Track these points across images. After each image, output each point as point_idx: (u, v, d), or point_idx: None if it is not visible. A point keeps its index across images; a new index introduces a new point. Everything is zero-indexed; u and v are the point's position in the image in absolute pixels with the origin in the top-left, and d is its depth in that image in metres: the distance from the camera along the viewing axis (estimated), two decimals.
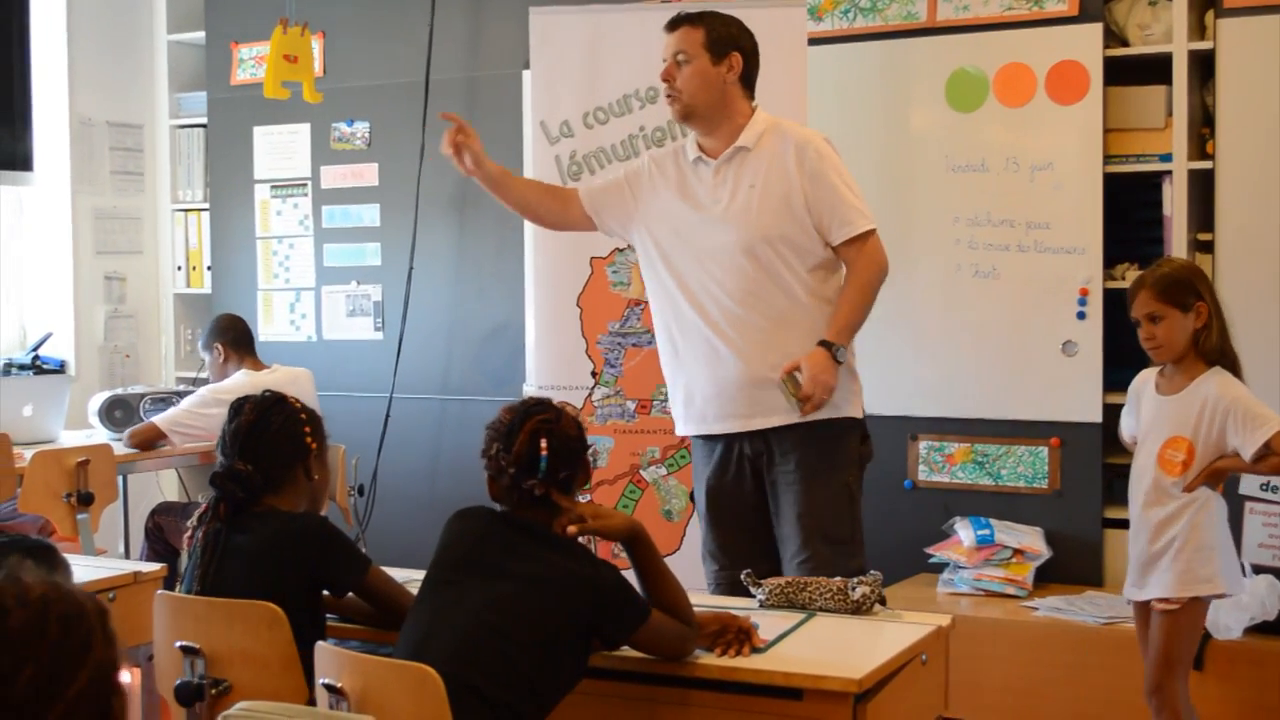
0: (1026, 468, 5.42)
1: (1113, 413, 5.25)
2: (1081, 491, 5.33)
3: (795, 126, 4.20)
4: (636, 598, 2.94)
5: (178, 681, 3.07)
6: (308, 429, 3.37)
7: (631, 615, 2.89)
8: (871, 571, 3.49)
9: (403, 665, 2.71)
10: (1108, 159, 5.27)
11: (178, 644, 3.08)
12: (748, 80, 4.14)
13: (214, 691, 3.05)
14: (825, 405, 3.95)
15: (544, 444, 2.95)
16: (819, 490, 4.04)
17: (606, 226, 4.38)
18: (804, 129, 4.22)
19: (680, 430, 4.32)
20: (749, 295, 4.04)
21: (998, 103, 5.42)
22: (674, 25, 4.12)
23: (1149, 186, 5.30)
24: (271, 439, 3.33)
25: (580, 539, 2.96)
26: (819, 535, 4.01)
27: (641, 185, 4.26)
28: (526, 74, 5.84)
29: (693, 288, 4.12)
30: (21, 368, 6.49)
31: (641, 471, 5.31)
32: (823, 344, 3.95)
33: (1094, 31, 5.26)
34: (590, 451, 3.10)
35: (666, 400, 5.16)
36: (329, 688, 2.72)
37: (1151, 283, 3.97)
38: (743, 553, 4.09)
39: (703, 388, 4.13)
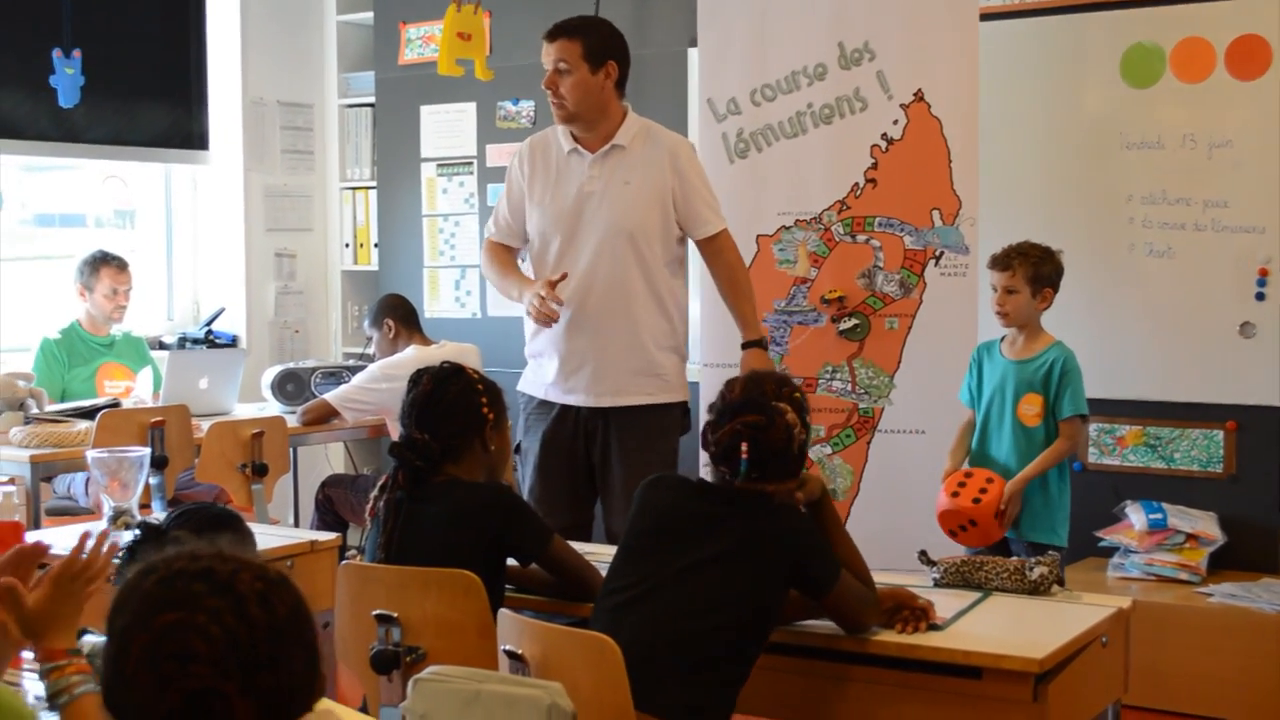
0: (1201, 451, 5.31)
1: None
2: (1259, 477, 5.21)
3: (664, 131, 4.60)
4: (830, 550, 2.94)
5: (374, 650, 3.11)
6: (484, 400, 3.39)
7: (828, 566, 2.90)
8: (1049, 551, 3.46)
9: (583, 634, 2.73)
10: None
11: (375, 613, 3.12)
12: (621, 84, 4.50)
13: (409, 659, 3.08)
14: (658, 389, 4.50)
15: (744, 448, 2.93)
16: (647, 463, 4.30)
17: (523, 241, 4.68)
18: (673, 135, 4.64)
19: (524, 388, 4.65)
20: (613, 280, 4.45)
21: (1175, 78, 5.30)
22: (553, 36, 4.43)
23: None
24: (448, 409, 3.36)
25: None
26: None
27: (522, 188, 4.59)
28: (692, 51, 5.84)
29: (565, 262, 4.48)
30: (195, 342, 6.66)
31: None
32: (751, 344, 4.54)
33: (1276, 4, 5.12)
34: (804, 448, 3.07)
35: (833, 378, 5.18)
36: (510, 654, 2.74)
37: None
38: (563, 503, 4.45)
39: (558, 350, 4.51)
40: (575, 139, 4.51)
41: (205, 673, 1.52)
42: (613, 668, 2.63)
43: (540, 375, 4.60)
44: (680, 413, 4.60)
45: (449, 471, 3.32)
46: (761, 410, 2.96)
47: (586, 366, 4.50)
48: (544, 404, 4.59)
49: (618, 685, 2.63)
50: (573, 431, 4.55)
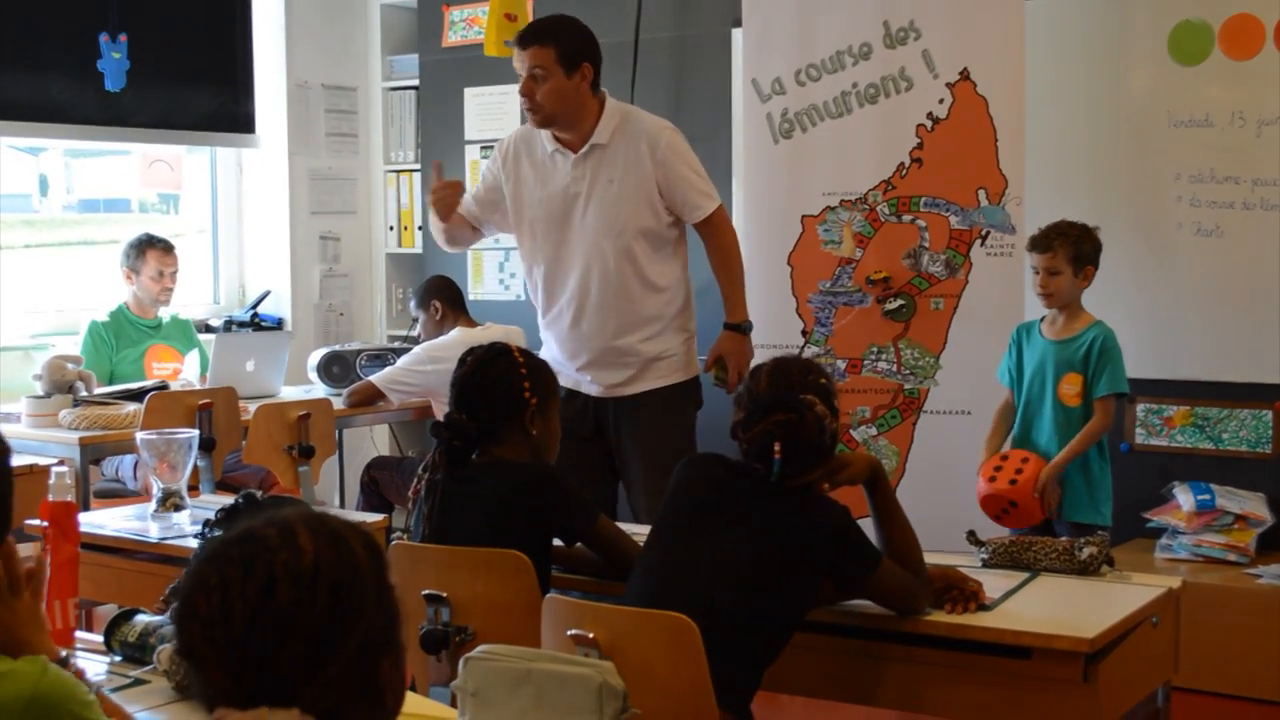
0: (1249, 431, 5.27)
1: None
2: None
3: (644, 117, 4.58)
4: (868, 542, 2.94)
5: (423, 629, 3.12)
6: (527, 384, 3.37)
7: (863, 559, 2.89)
8: (1098, 531, 3.44)
9: (657, 615, 2.71)
10: None
11: (424, 593, 3.13)
12: (596, 83, 4.50)
13: (458, 639, 3.09)
14: (665, 372, 4.57)
15: (777, 448, 2.92)
16: (661, 443, 4.48)
17: (491, 231, 4.84)
18: (653, 120, 4.59)
19: None
20: (606, 281, 4.50)
21: (1223, 55, 5.25)
22: (525, 43, 4.44)
23: None
24: (488, 390, 3.35)
25: None
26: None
27: (503, 182, 4.61)
28: (736, 32, 5.82)
29: (559, 266, 4.56)
30: (241, 325, 6.69)
31: (852, 431, 5.28)
32: (731, 327, 4.58)
33: None
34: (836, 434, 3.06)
35: (878, 359, 5.16)
36: (578, 639, 2.71)
37: None
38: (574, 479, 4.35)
39: (564, 349, 4.60)
40: (557, 139, 4.52)
41: (201, 634, 1.58)
42: (691, 647, 2.63)
43: (550, 358, 4.58)
44: (691, 389, 4.65)
45: (492, 452, 3.32)
46: (792, 408, 2.94)
47: (590, 365, 4.58)
48: None
49: (697, 664, 2.62)
50: (581, 410, 4.60)
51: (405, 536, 3.49)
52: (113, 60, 6.24)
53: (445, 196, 4.60)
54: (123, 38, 6.24)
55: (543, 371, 3.43)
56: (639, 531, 3.44)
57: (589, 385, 4.60)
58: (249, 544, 1.60)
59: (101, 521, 3.98)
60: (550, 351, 4.63)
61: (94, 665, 2.65)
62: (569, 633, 2.72)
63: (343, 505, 6.53)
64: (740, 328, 4.61)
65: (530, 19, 6.14)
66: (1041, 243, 4.53)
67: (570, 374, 4.58)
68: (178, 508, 3.85)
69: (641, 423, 4.57)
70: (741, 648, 2.79)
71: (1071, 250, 4.49)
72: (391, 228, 7.37)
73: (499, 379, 3.37)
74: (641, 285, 4.54)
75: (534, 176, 4.57)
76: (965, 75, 5.14)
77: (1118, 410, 4.58)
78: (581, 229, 4.51)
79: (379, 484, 6.13)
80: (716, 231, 4.61)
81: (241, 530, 1.63)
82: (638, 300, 4.54)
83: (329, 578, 1.59)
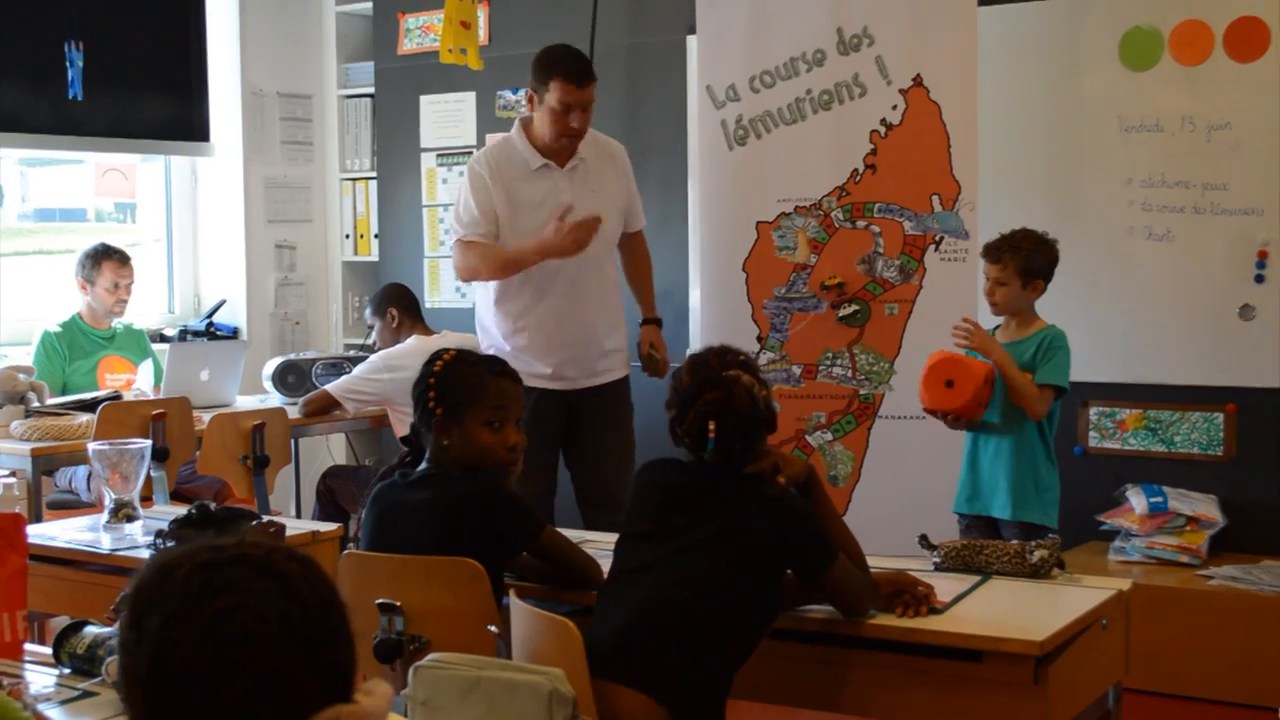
0: (1201, 434, 5.31)
1: None
2: (1259, 459, 5.20)
3: (604, 138, 5.08)
4: (826, 534, 2.94)
5: (377, 639, 3.11)
6: (432, 393, 3.27)
7: (823, 549, 2.90)
8: (1050, 535, 3.46)
9: (547, 617, 2.77)
10: None
11: (377, 602, 3.11)
12: None
13: (412, 648, 3.08)
14: (623, 362, 5.08)
15: (711, 426, 2.93)
16: (629, 426, 5.06)
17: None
18: (609, 139, 5.11)
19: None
20: (595, 279, 4.94)
21: (1173, 61, 5.29)
22: (590, 79, 4.84)
23: None
24: (416, 398, 3.35)
25: None
26: (623, 466, 4.89)
27: (492, 198, 4.86)
28: (691, 39, 5.84)
29: (549, 266, 4.83)
30: (196, 334, 6.66)
31: (807, 436, 5.30)
32: (654, 321, 5.15)
33: None
34: (770, 403, 3.07)
35: (833, 365, 5.18)
36: (495, 634, 2.77)
37: None
38: (540, 472, 4.79)
39: (543, 346, 4.90)
40: (543, 155, 4.87)
41: (268, 654, 1.47)
42: (573, 651, 2.67)
43: (522, 365, 4.65)
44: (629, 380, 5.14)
45: (437, 459, 3.30)
46: (718, 385, 2.97)
47: (572, 357, 4.94)
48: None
49: (578, 668, 2.65)
50: (553, 409, 4.91)
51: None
52: (76, 69, 6.20)
53: (591, 227, 4.76)
54: (79, 46, 6.20)
55: (456, 383, 3.28)
56: (594, 540, 3.44)
57: (562, 382, 4.93)
58: (243, 561, 1.51)
59: (53, 533, 3.95)
60: (524, 353, 4.86)
61: (43, 678, 2.64)
62: (489, 627, 2.81)
63: (299, 515, 6.50)
64: (660, 321, 5.17)
65: (482, 27, 6.15)
66: (993, 253, 4.51)
67: (541, 370, 4.86)
68: (130, 518, 3.83)
69: (610, 410, 5.00)
70: (707, 650, 2.79)
71: (1022, 264, 4.46)
72: (347, 236, 7.36)
73: (416, 385, 3.34)
74: (612, 284, 5.04)
75: (529, 187, 4.88)
76: (918, 81, 5.17)
77: (1055, 405, 4.52)
78: None
79: (335, 492, 6.11)
80: (642, 240, 5.20)
81: (205, 560, 1.52)
82: (610, 299, 5.01)
83: (313, 564, 1.56)
